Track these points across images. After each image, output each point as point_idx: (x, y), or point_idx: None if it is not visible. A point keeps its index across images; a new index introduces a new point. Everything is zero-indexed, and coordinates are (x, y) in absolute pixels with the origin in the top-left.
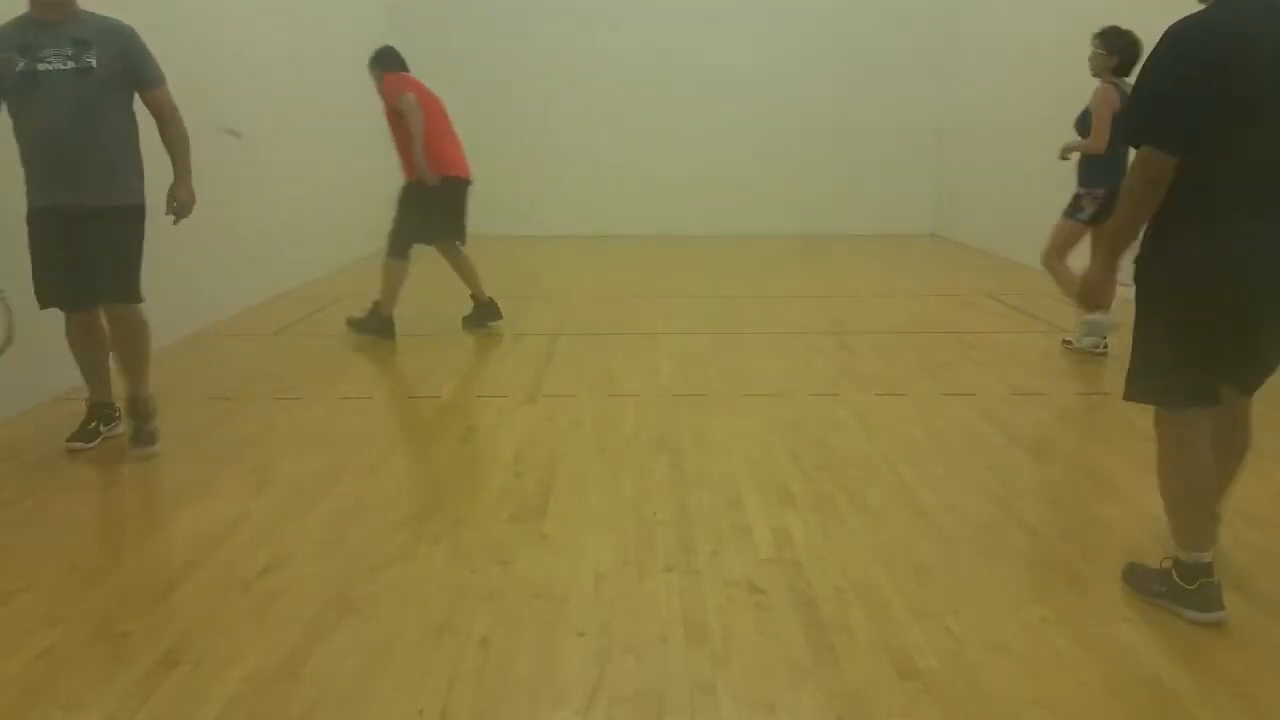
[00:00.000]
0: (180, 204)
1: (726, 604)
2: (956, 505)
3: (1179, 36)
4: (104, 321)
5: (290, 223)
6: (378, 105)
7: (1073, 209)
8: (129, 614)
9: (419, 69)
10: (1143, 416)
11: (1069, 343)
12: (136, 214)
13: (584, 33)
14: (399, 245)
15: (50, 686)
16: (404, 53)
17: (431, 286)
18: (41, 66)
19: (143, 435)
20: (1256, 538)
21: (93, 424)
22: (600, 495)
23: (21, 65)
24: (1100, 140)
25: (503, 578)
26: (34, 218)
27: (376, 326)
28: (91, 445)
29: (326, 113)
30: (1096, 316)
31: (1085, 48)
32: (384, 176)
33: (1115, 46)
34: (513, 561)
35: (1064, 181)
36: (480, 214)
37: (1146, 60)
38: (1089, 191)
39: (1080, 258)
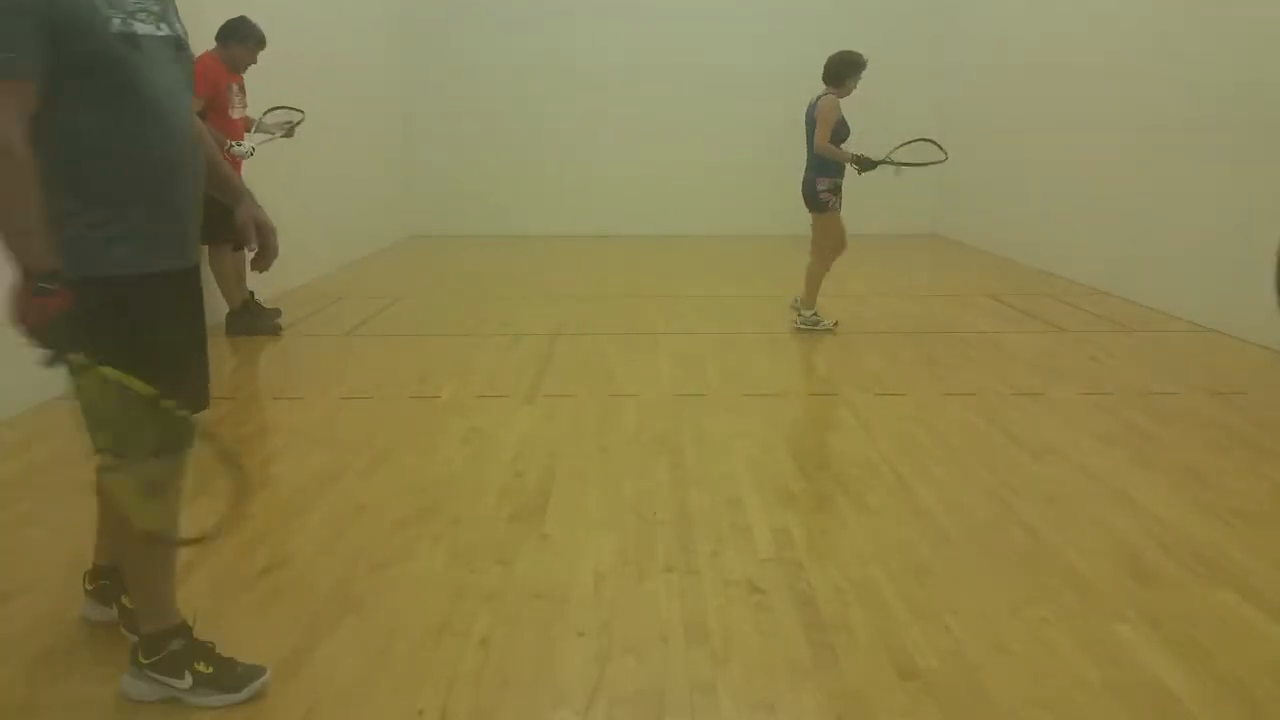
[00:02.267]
0: (266, 233)
1: (726, 604)
2: (956, 505)
3: None
4: None
5: (289, 223)
6: (378, 106)
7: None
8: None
9: (421, 68)
10: (1143, 416)
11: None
12: None
13: (583, 32)
14: None
15: (50, 686)
16: (407, 51)
17: (432, 287)
18: (140, 28)
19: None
20: (1256, 537)
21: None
22: (600, 495)
23: (118, 23)
24: (823, 141)
25: (503, 578)
26: (155, 288)
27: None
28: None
29: (325, 113)
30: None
31: (1086, 47)
32: (384, 176)
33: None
34: (513, 561)
35: (1066, 181)
36: (481, 214)
37: None
38: (833, 181)
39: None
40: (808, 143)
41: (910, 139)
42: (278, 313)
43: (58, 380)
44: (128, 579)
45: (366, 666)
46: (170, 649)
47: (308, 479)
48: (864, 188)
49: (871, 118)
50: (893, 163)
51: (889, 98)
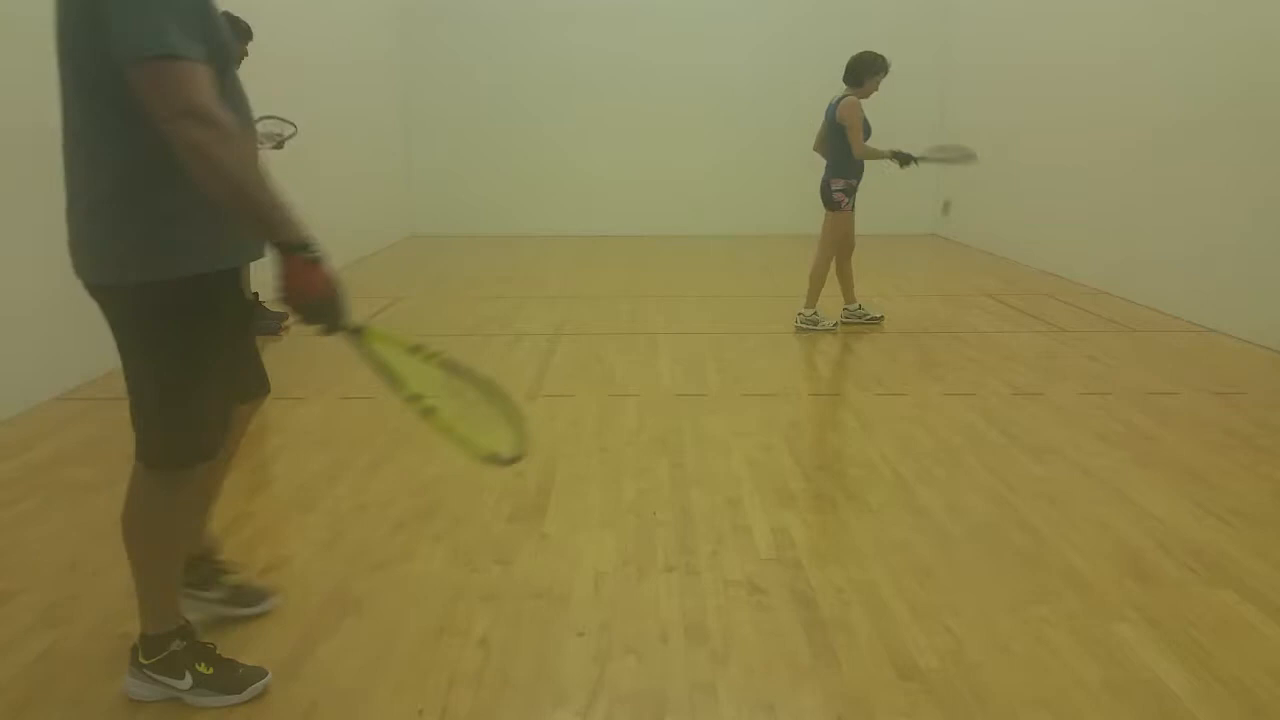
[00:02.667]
0: None
1: (726, 604)
2: (956, 505)
3: None
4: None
5: None
6: (378, 106)
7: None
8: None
9: (421, 68)
10: (1143, 416)
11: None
12: None
13: (583, 33)
14: None
15: (50, 686)
16: (406, 51)
17: (432, 287)
18: None
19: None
20: (1256, 537)
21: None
22: (600, 495)
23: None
24: (859, 146)
25: (503, 578)
26: (222, 285)
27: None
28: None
29: (325, 113)
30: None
31: (1088, 48)
32: (384, 176)
33: (847, 66)
34: (513, 561)
35: (1066, 182)
36: (481, 214)
37: None
38: (848, 182)
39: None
40: (827, 141)
41: (946, 143)
42: (284, 315)
43: (57, 380)
44: (134, 579)
45: (366, 666)
46: (171, 650)
47: (308, 479)
48: (865, 188)
49: (874, 118)
50: (929, 159)
51: (891, 98)
